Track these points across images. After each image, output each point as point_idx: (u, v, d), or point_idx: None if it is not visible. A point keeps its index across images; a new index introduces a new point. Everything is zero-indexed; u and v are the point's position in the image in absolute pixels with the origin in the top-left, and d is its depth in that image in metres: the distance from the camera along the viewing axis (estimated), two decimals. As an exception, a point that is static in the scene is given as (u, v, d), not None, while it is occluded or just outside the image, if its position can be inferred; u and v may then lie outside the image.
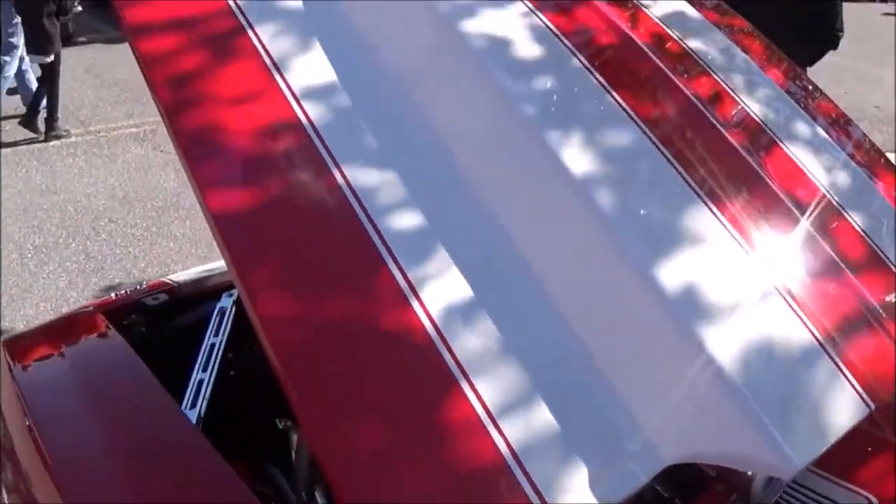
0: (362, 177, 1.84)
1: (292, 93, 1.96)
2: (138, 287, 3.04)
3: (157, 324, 2.78)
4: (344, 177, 1.83)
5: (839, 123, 2.51)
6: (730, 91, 2.23)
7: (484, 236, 1.82)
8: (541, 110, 1.98)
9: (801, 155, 2.14)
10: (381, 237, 1.75)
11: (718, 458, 1.61)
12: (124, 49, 7.41)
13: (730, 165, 1.99)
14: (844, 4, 5.24)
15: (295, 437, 2.46)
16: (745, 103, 2.21)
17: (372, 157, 1.90)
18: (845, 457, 1.82)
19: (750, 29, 2.75)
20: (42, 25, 7.83)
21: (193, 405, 2.31)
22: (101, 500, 1.94)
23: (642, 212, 1.83)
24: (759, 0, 4.86)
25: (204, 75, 1.98)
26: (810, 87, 2.65)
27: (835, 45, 5.23)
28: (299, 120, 1.91)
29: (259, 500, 1.86)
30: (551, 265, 1.77)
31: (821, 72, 8.73)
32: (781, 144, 2.14)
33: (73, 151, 7.77)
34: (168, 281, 2.99)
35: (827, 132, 2.36)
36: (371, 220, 1.77)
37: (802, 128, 2.30)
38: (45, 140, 8.04)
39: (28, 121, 8.09)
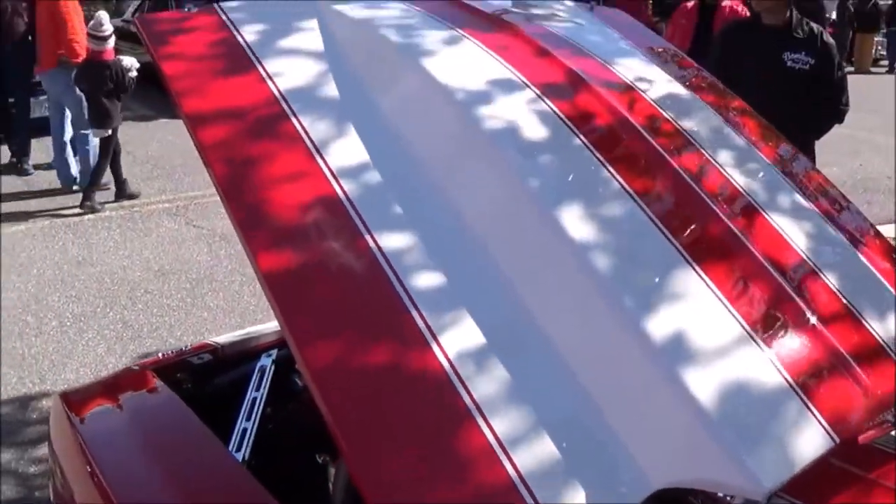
0: (390, 241, 2.16)
1: (330, 171, 2.30)
2: (184, 348, 3.36)
3: (201, 381, 3.09)
4: (375, 242, 2.15)
5: (824, 193, 2.81)
6: (717, 166, 2.54)
7: (495, 293, 2.12)
8: (545, 185, 2.30)
9: (781, 221, 2.44)
10: (406, 293, 2.06)
11: (699, 483, 1.89)
12: (155, 126, 7.98)
13: (714, 233, 2.29)
14: (862, 77, 5.54)
15: (332, 470, 2.74)
16: (730, 176, 2.52)
17: (398, 225, 2.22)
18: (817, 486, 2.10)
19: (743, 107, 3.06)
20: (102, 102, 8.38)
21: (238, 449, 2.61)
22: None
23: (634, 275, 2.14)
24: (767, 76, 5.23)
25: (254, 156, 2.32)
26: (798, 160, 2.95)
27: (840, 119, 5.51)
28: (336, 194, 2.25)
29: None
30: (554, 319, 2.07)
31: (837, 144, 9.10)
32: (763, 213, 2.44)
33: (107, 225, 8.17)
34: (211, 343, 3.31)
35: (810, 201, 2.64)
36: (398, 279, 2.09)
37: (785, 197, 2.59)
38: (81, 210, 8.49)
39: (84, 199, 8.64)
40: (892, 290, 2.43)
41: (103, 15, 8.81)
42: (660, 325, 2.01)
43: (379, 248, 2.15)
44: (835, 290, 2.33)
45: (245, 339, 3.35)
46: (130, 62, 8.77)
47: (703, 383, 1.93)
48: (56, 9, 8.99)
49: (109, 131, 8.65)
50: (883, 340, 2.24)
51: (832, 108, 5.41)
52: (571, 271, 2.14)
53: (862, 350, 2.19)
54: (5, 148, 10.24)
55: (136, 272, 7.00)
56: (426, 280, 2.12)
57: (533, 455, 1.87)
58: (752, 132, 2.87)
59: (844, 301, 2.31)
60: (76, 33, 8.98)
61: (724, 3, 7.34)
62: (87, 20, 8.96)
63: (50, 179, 9.63)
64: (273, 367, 2.96)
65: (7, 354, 5.65)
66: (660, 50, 3.39)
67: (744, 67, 5.28)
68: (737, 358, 2.02)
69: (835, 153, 9.41)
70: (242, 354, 3.19)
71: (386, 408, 1.93)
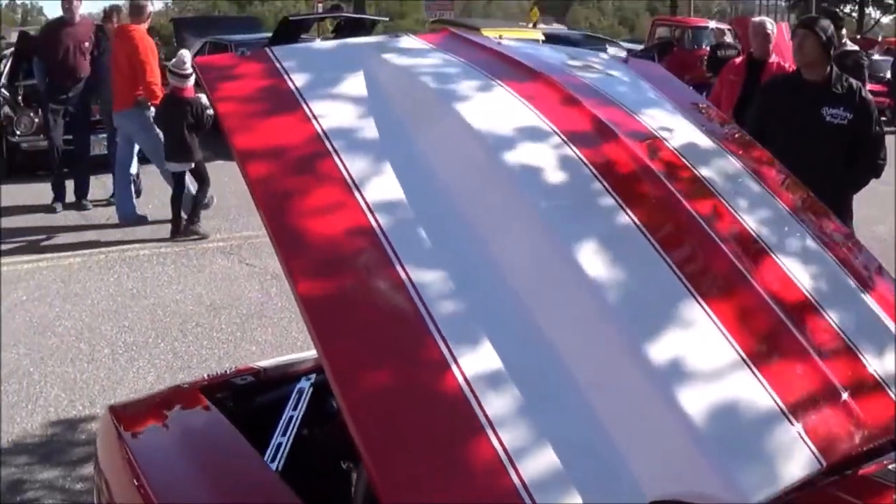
0: (419, 271, 2.37)
1: (367, 204, 2.51)
2: (228, 371, 3.58)
3: (243, 401, 3.30)
4: (405, 271, 2.36)
5: (835, 237, 2.98)
6: (730, 208, 2.72)
7: (512, 320, 2.33)
8: (563, 223, 2.51)
9: (787, 260, 2.61)
10: (431, 318, 2.27)
11: (689, 495, 2.06)
12: (212, 168, 8.22)
13: (719, 268, 2.48)
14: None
15: (355, 475, 2.93)
16: (742, 218, 2.71)
17: (427, 256, 2.43)
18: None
19: (764, 157, 3.24)
20: (183, 137, 8.81)
21: (273, 461, 2.82)
22: None
23: (641, 304, 2.34)
24: (806, 130, 5.41)
25: (296, 188, 2.55)
26: (814, 206, 3.12)
27: (878, 174, 5.67)
28: (371, 226, 2.46)
29: None
30: (566, 344, 2.27)
31: (883, 200, 9.15)
32: (770, 252, 2.62)
33: (162, 261, 8.49)
34: (254, 366, 3.53)
35: (821, 243, 2.82)
36: (425, 305, 2.29)
37: (794, 239, 2.77)
38: (185, 238, 9.16)
39: (188, 226, 9.22)
40: (893, 329, 2.59)
41: (185, 54, 9.28)
42: (660, 350, 2.21)
43: (409, 276, 2.36)
44: (834, 325, 2.50)
45: (286, 363, 3.56)
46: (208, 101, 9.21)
47: (697, 404, 2.12)
48: (134, 51, 9.38)
49: (192, 165, 9.17)
50: (879, 376, 2.40)
51: (869, 163, 5.57)
52: (584, 300, 2.34)
53: (856, 383, 2.35)
54: (66, 183, 10.62)
55: (188, 306, 7.29)
56: (450, 307, 2.32)
57: (536, 465, 2.05)
58: (770, 179, 3.05)
59: (843, 337, 2.48)
60: (154, 75, 9.41)
61: (771, 60, 7.54)
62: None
63: (108, 215, 10.02)
64: (311, 390, 3.17)
65: (59, 378, 5.94)
66: (688, 101, 3.58)
67: (784, 121, 5.48)
68: (731, 382, 2.20)
69: (880, 210, 9.49)
70: (283, 378, 3.40)
71: (404, 421, 2.13)
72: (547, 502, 1.98)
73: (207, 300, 7.42)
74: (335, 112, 2.83)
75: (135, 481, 2.76)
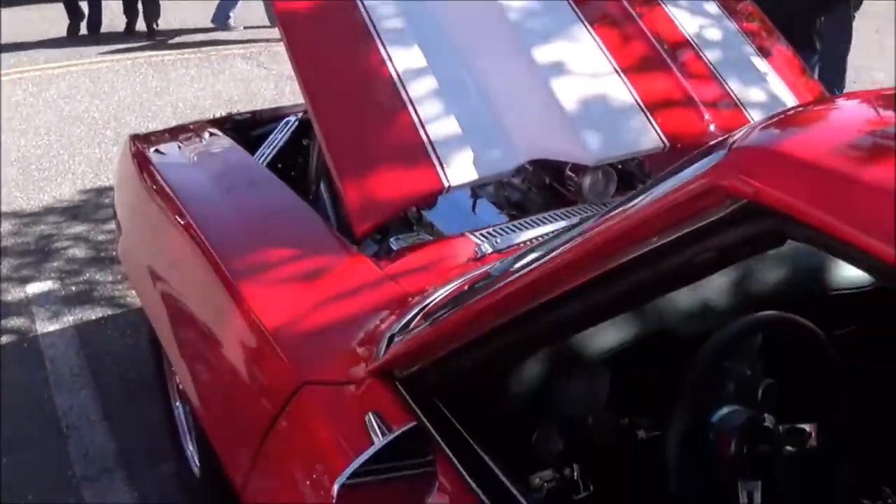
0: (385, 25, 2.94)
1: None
2: (230, 113, 4.16)
3: (241, 131, 3.86)
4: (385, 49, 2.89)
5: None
6: None
7: (443, 44, 2.93)
8: None
9: (680, 15, 3.19)
10: (385, 49, 2.86)
11: (553, 153, 2.72)
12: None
13: (614, 12, 3.08)
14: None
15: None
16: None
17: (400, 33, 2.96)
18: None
19: None
20: None
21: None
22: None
23: (541, 30, 2.97)
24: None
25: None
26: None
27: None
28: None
29: None
30: (475, 50, 2.92)
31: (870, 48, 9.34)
32: (667, 9, 3.20)
33: (185, 64, 9.03)
34: (254, 111, 4.10)
35: (724, 14, 3.33)
36: (384, 44, 2.88)
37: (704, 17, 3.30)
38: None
39: None
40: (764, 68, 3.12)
41: None
42: (545, 54, 2.86)
43: (387, 52, 2.88)
44: (706, 59, 3.08)
45: (280, 107, 4.13)
46: None
47: (569, 93, 2.78)
48: None
49: None
50: (737, 98, 2.96)
51: None
52: (497, 27, 2.97)
53: (714, 99, 2.94)
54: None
55: (206, 101, 7.86)
56: (394, 24, 2.89)
57: (442, 129, 2.71)
58: None
59: (711, 67, 3.08)
60: None
61: None
62: None
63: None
64: (297, 124, 3.73)
65: (86, 158, 6.61)
66: None
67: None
68: (600, 82, 2.86)
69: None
70: (275, 117, 3.96)
71: (348, 104, 2.76)
72: (447, 154, 2.57)
73: (225, 96, 8.00)
74: None
75: (155, 190, 3.21)
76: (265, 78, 8.57)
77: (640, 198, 1.41)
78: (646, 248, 1.32)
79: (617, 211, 1.42)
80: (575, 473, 2.04)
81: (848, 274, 2.18)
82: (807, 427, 1.95)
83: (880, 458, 2.28)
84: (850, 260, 1.10)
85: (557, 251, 1.47)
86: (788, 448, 1.95)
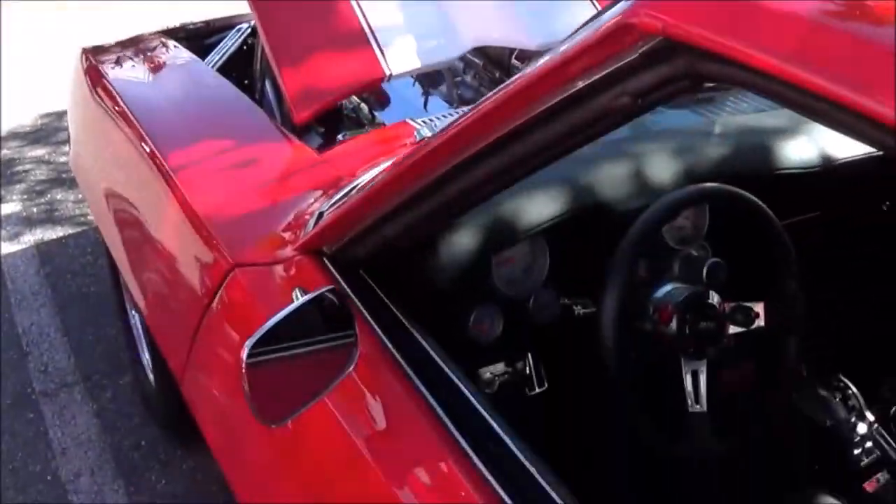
0: None
1: None
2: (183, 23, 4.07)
3: (194, 40, 3.78)
4: None
5: None
6: None
7: None
8: None
9: None
10: None
11: (497, 40, 2.76)
12: None
13: None
14: None
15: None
16: None
17: None
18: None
19: None
20: None
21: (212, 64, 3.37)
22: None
23: None
24: None
25: None
26: None
27: None
28: None
29: None
30: None
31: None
32: None
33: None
34: (208, 20, 4.01)
35: None
36: None
37: None
38: None
39: None
40: None
41: None
42: None
43: None
44: None
45: (234, 15, 4.04)
46: None
47: None
48: None
49: None
50: None
51: None
52: None
53: None
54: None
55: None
56: None
57: (384, 18, 2.63)
58: None
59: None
60: None
61: None
62: None
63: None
64: (250, 30, 3.65)
65: (54, 84, 6.43)
66: None
67: None
68: None
69: None
70: (228, 26, 3.87)
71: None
72: (389, 41, 2.54)
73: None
74: None
75: (104, 97, 3.12)
76: None
77: (562, 45, 1.36)
78: (564, 93, 1.28)
79: (540, 60, 1.37)
80: (528, 368, 2.01)
81: (796, 154, 2.13)
82: (753, 306, 1.90)
83: (832, 345, 2.25)
84: (771, 95, 1.05)
85: (481, 105, 1.42)
86: (733, 328, 1.91)
